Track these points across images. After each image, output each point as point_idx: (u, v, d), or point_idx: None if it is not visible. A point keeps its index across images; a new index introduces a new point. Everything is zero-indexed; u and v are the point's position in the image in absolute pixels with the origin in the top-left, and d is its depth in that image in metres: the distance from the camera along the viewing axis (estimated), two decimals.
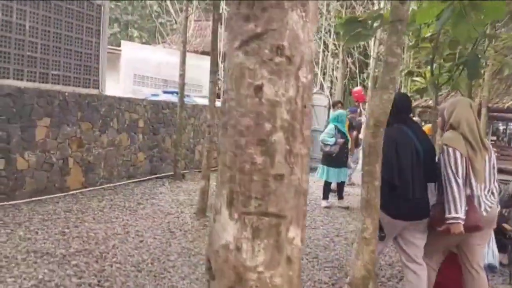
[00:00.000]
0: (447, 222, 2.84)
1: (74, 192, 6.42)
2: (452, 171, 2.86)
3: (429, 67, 6.44)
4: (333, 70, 20.47)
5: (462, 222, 2.81)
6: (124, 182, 7.39)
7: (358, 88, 10.17)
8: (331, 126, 6.94)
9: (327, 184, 6.89)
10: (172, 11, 19.65)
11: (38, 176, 5.95)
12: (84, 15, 6.96)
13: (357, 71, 18.76)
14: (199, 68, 14.46)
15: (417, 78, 7.14)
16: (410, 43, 7.60)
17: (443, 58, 5.98)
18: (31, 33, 6.15)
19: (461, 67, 5.68)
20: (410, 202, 2.95)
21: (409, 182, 2.93)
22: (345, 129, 6.94)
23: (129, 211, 5.72)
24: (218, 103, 10.66)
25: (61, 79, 6.67)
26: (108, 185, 7.05)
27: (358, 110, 9.18)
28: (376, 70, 12.98)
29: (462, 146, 2.91)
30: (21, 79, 6.08)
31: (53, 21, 6.46)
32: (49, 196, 6.02)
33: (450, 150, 2.90)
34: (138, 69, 13.47)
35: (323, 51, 18.92)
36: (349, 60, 17.95)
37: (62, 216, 5.25)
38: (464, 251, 3.10)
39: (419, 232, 3.07)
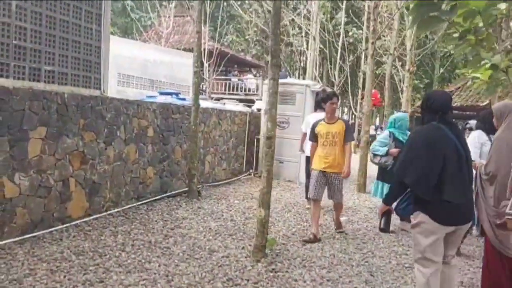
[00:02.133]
0: (506, 217, 2.88)
1: (78, 222, 4.97)
2: None
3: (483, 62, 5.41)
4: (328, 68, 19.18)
5: None
6: (133, 205, 5.96)
7: (373, 90, 9.08)
8: (385, 133, 5.79)
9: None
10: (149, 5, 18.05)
11: (33, 204, 4.47)
12: None
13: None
14: (184, 66, 13.12)
15: (478, 75, 6.09)
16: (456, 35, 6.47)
17: None
18: (18, 16, 4.67)
19: None
20: (457, 206, 2.86)
21: (453, 185, 2.82)
22: (405, 136, 5.72)
23: (159, 249, 4.35)
24: (206, 104, 9.34)
25: (56, 76, 5.18)
26: (116, 209, 5.61)
27: None
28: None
29: None
30: (7, 76, 4.58)
31: (46, 1, 4.98)
32: (47, 231, 4.55)
33: None
34: (123, 68, 11.85)
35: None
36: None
37: (76, 263, 3.83)
38: None
39: (461, 234, 3.07)
